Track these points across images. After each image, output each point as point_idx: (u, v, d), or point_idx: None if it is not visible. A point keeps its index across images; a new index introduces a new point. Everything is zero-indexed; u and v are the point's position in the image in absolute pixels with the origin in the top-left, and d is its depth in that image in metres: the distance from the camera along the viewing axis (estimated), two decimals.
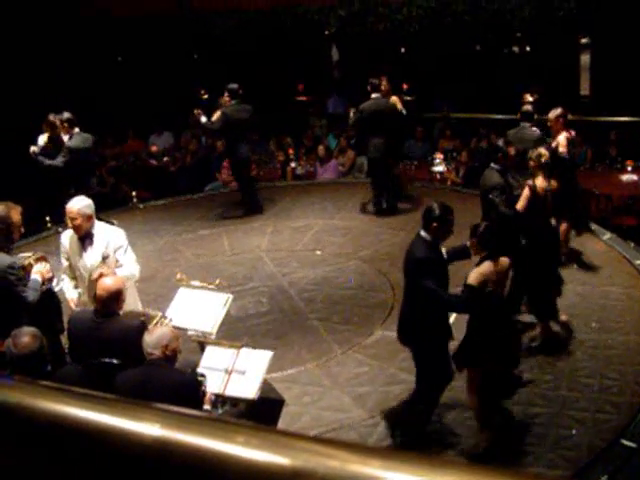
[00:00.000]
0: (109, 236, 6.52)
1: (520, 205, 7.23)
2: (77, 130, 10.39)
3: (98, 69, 16.38)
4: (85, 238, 6.47)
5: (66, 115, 10.31)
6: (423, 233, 5.88)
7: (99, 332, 5.46)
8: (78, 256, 6.52)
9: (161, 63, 16.59)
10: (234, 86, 11.37)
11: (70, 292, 6.65)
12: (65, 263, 6.72)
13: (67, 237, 6.67)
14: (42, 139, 10.18)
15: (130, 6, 15.94)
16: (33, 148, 10.06)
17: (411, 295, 6.07)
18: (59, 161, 9.97)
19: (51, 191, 10.05)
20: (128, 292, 6.57)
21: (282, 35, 15.34)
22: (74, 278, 6.68)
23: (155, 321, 5.88)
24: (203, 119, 11.13)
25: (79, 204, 6.44)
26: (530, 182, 7.24)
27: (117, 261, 6.45)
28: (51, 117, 10.15)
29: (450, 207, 5.95)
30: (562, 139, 8.75)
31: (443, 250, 6.07)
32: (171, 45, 16.29)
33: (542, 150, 7.48)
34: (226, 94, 11.50)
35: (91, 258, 6.44)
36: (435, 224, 5.81)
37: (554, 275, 7.42)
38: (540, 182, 7.22)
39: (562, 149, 8.62)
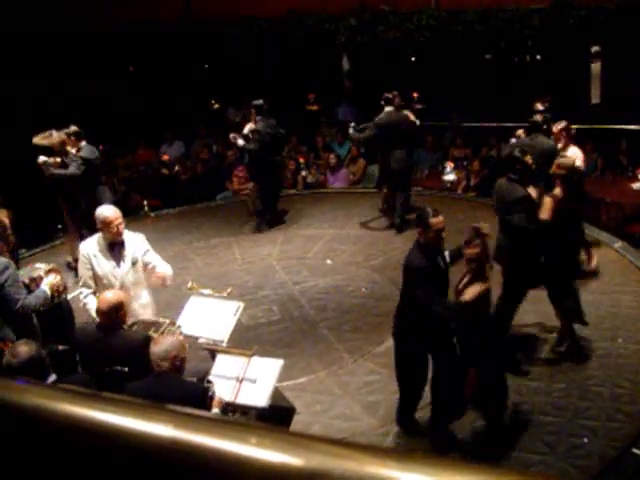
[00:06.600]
0: (134, 241, 6.58)
1: (547, 215, 6.90)
2: (84, 143, 9.93)
3: (109, 79, 16.44)
4: (116, 244, 6.47)
5: (73, 128, 9.94)
6: (420, 239, 6.01)
7: (103, 346, 5.46)
8: (107, 264, 6.46)
9: (172, 73, 16.65)
10: (259, 102, 11.36)
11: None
12: (87, 273, 6.51)
13: (91, 247, 6.53)
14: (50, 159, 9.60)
15: (139, 15, 16.00)
16: (42, 158, 9.50)
17: (406, 299, 6.19)
18: (75, 167, 9.46)
19: (63, 202, 9.87)
20: (143, 293, 6.59)
21: (293, 44, 15.35)
22: (95, 292, 6.45)
23: (163, 328, 5.89)
24: (240, 142, 11.15)
25: (116, 209, 6.55)
26: (556, 192, 7.01)
27: (147, 264, 6.51)
28: (54, 134, 9.63)
29: (428, 211, 5.97)
30: (578, 152, 8.70)
31: (446, 253, 6.10)
32: (182, 55, 16.34)
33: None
34: (253, 111, 11.54)
35: (125, 264, 6.46)
36: (420, 229, 5.96)
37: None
38: (558, 192, 7.00)
39: (579, 162, 8.49)
